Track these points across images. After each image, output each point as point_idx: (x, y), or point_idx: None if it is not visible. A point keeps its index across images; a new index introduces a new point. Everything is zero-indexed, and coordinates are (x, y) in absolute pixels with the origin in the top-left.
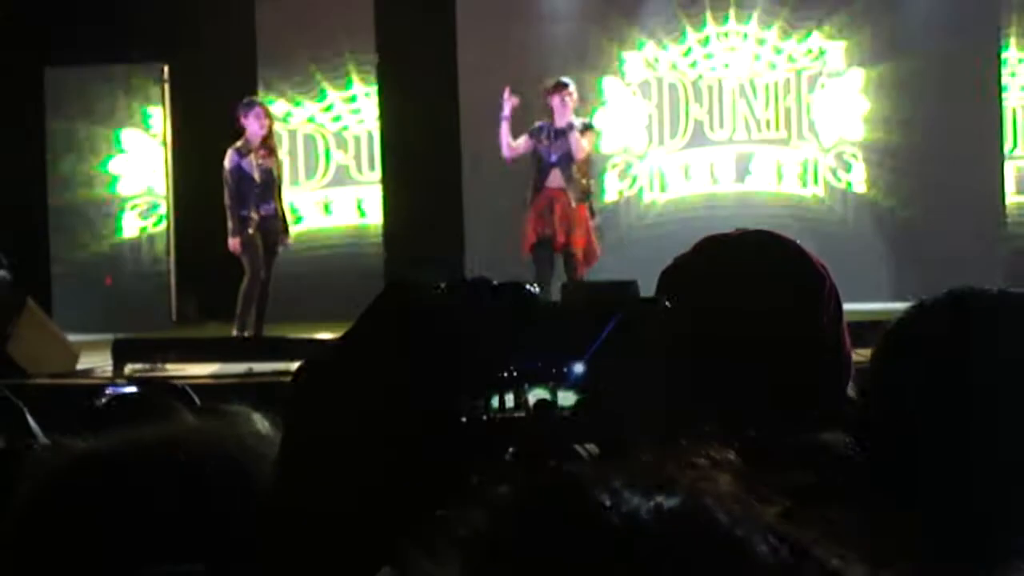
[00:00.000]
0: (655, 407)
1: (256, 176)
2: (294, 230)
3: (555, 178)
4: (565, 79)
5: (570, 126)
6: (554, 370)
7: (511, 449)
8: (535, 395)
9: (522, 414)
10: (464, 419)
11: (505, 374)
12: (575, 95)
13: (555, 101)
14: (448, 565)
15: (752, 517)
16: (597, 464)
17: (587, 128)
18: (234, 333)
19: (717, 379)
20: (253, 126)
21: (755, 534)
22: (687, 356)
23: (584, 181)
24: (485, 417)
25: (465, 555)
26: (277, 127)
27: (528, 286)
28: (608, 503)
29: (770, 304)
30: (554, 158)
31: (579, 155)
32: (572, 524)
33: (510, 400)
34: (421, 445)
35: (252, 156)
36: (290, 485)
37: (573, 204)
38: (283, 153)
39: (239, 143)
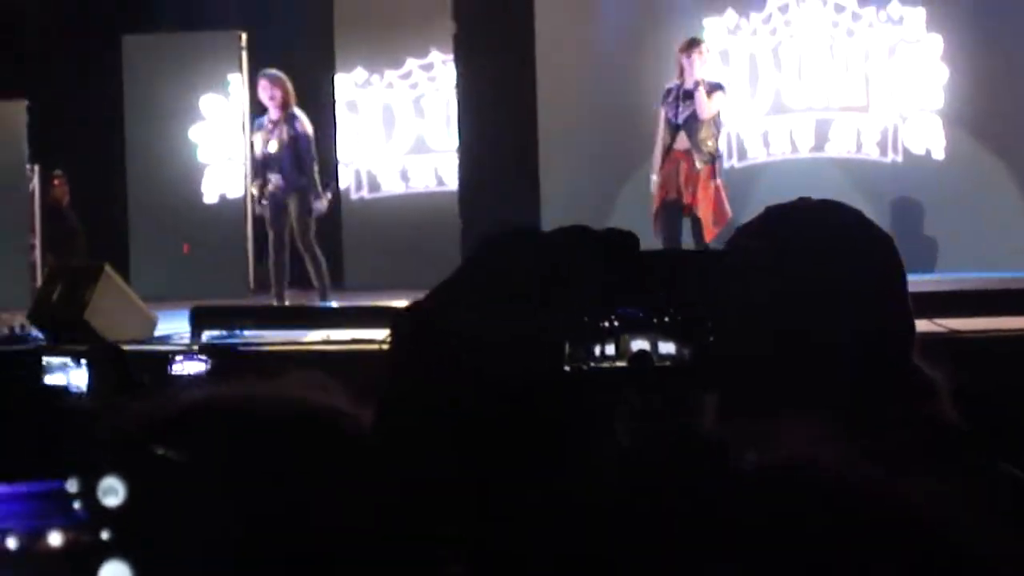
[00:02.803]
0: (753, 363)
1: (258, 149)
2: (372, 196)
3: (681, 140)
4: (697, 36)
5: (694, 85)
6: (655, 320)
7: (612, 401)
8: (636, 345)
9: (623, 364)
10: (567, 368)
11: (606, 323)
12: (706, 53)
13: (684, 60)
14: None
15: (855, 479)
16: (709, 423)
17: (715, 88)
18: (273, 303)
19: (789, 345)
20: (263, 98)
21: (860, 494)
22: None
23: (711, 143)
24: (586, 367)
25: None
26: (355, 94)
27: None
28: (724, 460)
29: (833, 271)
30: (680, 120)
31: (703, 115)
32: (696, 480)
33: (611, 349)
34: (523, 395)
35: (262, 130)
36: (389, 433)
37: (698, 165)
38: (360, 120)
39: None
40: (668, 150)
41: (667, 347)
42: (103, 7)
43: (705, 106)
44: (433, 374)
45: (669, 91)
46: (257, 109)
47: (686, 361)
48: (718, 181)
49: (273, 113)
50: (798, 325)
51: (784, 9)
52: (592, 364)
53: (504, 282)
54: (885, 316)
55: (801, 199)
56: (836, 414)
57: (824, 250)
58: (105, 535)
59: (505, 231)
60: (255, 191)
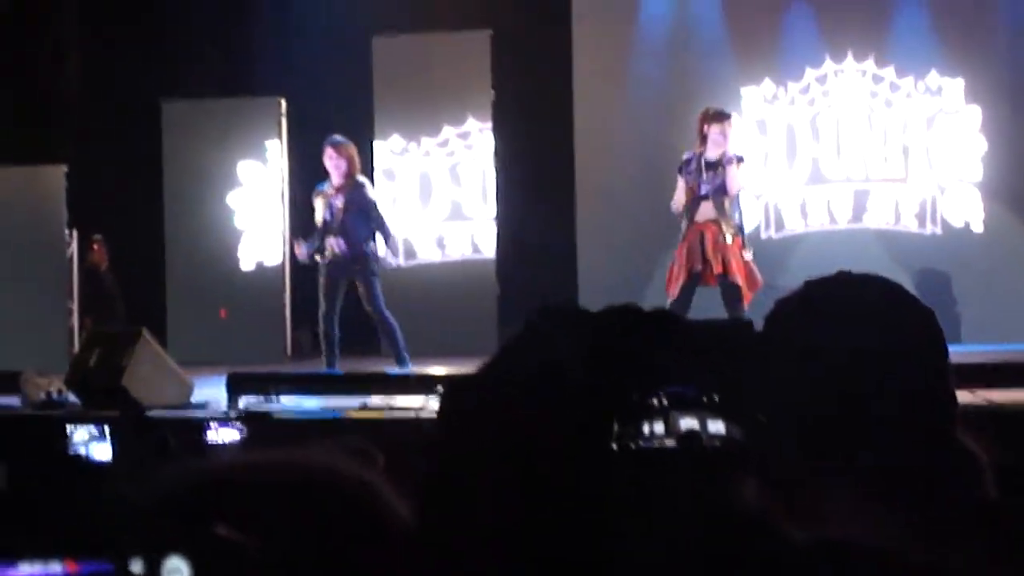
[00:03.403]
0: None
1: (319, 215)
2: (409, 264)
3: (706, 211)
4: (725, 109)
5: (727, 160)
6: (704, 397)
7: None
8: (685, 424)
9: (672, 443)
10: (614, 447)
11: (655, 401)
12: (735, 126)
13: (714, 132)
14: None
15: (897, 554)
16: (756, 499)
17: (739, 160)
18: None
19: (826, 421)
20: (328, 165)
21: (903, 570)
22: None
23: (736, 215)
24: (634, 446)
25: None
26: (392, 162)
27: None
28: (773, 536)
29: (873, 345)
30: (705, 191)
31: (733, 190)
32: (742, 555)
33: (660, 428)
34: (571, 473)
35: (321, 196)
36: (436, 504)
37: (728, 238)
38: (396, 188)
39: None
40: (691, 222)
41: (716, 426)
42: (142, 72)
43: (736, 181)
44: (482, 447)
45: (688, 160)
46: (297, 175)
47: (737, 441)
48: (749, 254)
49: (336, 179)
50: (838, 399)
51: (822, 80)
52: (641, 443)
53: (553, 360)
54: (926, 389)
55: (840, 272)
56: (877, 489)
57: (864, 324)
58: None
59: (555, 309)
60: (317, 257)
